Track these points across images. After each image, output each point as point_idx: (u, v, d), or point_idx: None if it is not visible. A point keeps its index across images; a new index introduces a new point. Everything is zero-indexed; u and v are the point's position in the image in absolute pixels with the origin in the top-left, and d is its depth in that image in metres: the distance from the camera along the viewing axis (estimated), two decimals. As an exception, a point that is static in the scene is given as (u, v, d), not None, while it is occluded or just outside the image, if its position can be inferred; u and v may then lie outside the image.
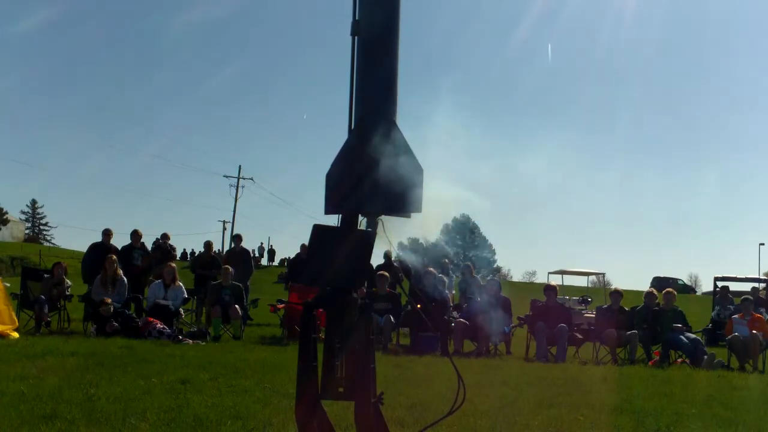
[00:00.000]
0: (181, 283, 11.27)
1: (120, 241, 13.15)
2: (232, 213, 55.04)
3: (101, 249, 12.02)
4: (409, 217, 3.33)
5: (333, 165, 3.32)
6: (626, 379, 8.11)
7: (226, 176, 54.94)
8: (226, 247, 44.18)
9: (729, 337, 10.29)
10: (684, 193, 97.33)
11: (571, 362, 9.97)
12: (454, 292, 15.29)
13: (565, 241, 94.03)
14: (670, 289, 11.18)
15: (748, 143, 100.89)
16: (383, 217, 3.32)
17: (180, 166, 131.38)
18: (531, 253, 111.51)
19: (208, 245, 14.80)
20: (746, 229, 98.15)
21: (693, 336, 10.48)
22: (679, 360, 10.11)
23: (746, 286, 19.30)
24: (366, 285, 10.61)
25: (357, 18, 3.37)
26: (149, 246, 13.81)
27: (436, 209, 3.40)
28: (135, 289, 11.91)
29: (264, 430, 4.42)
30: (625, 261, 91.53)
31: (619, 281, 72.09)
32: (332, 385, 3.32)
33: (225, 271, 11.48)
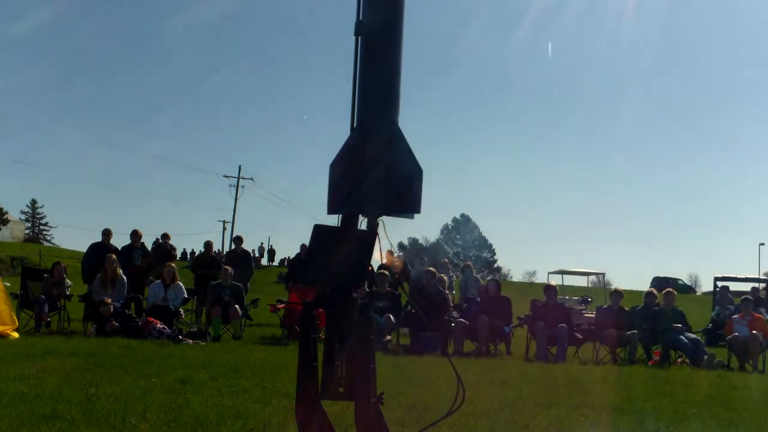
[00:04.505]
0: (181, 283, 11.28)
1: (120, 241, 13.16)
2: (232, 213, 55.03)
3: (101, 249, 12.01)
4: (411, 218, 3.33)
5: (333, 165, 3.32)
6: (626, 379, 8.11)
7: (226, 176, 54.97)
8: (226, 248, 44.27)
9: (729, 337, 10.30)
10: (684, 192, 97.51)
11: (571, 362, 9.97)
12: (454, 292, 15.31)
13: (565, 241, 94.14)
14: (670, 289, 11.18)
15: (748, 143, 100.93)
16: (383, 218, 3.32)
17: (180, 166, 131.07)
18: (531, 253, 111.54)
19: (208, 245, 14.83)
20: (746, 229, 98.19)
21: (693, 336, 10.48)
22: (679, 360, 10.11)
23: (746, 286, 19.33)
24: (366, 285, 10.60)
25: (360, 18, 3.36)
26: (149, 246, 13.82)
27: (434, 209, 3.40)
28: (135, 289, 11.92)
29: (264, 430, 4.42)
30: (625, 261, 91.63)
31: (619, 281, 72.12)
32: (332, 385, 3.31)
33: (225, 271, 11.49)
